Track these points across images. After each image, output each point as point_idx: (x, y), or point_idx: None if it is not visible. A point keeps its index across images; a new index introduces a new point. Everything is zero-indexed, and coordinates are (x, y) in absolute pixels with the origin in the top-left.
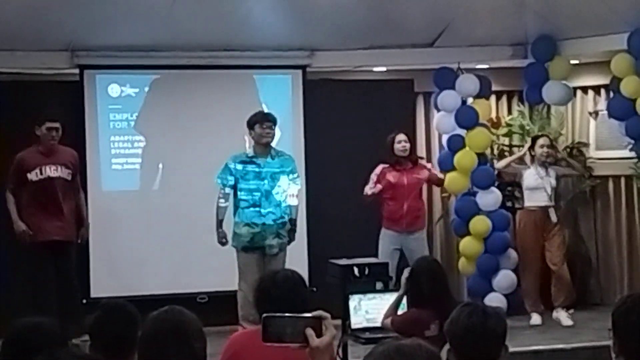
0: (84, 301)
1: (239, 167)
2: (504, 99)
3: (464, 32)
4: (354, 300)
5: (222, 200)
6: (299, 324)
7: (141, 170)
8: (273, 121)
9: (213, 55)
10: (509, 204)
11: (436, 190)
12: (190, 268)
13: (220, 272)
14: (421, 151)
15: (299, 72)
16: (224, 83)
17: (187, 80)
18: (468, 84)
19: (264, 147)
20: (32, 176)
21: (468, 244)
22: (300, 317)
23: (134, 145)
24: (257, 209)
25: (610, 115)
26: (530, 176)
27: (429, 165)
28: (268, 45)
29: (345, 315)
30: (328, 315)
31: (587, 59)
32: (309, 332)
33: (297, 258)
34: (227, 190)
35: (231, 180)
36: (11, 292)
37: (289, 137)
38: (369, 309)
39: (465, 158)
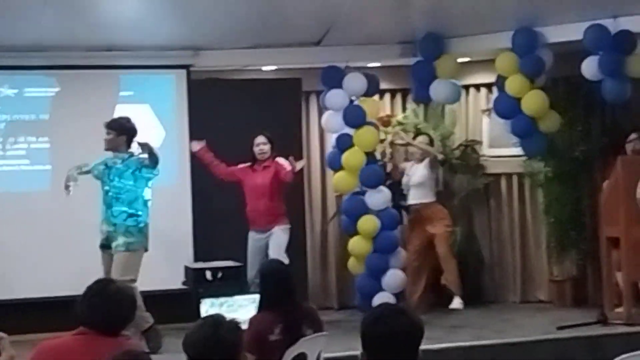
0: None
1: (101, 167)
2: (399, 97)
3: (351, 31)
4: (205, 304)
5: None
6: None
7: (21, 172)
8: (108, 127)
9: (95, 55)
10: (404, 203)
11: (330, 188)
12: (72, 270)
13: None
14: (315, 151)
15: (183, 71)
16: (109, 82)
17: (68, 80)
18: (355, 82)
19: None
20: None
21: (357, 243)
22: None
23: (13, 146)
24: (110, 210)
25: (496, 114)
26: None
27: (281, 161)
28: (151, 45)
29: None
30: (4, 335)
31: (479, 57)
32: None
33: (182, 259)
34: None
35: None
36: None
37: (174, 137)
38: (222, 312)
39: (353, 157)
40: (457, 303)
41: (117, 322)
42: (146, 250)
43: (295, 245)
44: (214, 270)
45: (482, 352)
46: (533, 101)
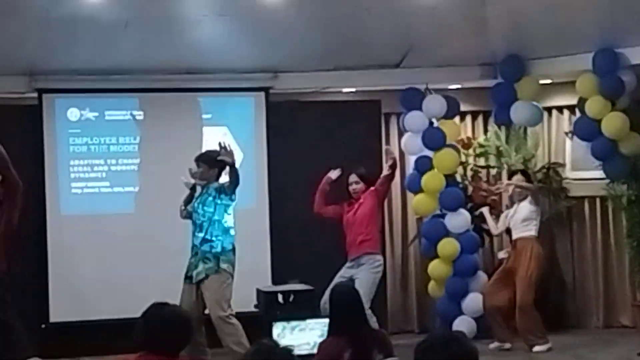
0: (43, 326)
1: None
2: (480, 119)
3: (431, 53)
4: (277, 328)
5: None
6: None
7: (102, 195)
8: (199, 160)
9: (174, 78)
10: (486, 226)
11: (410, 210)
12: (151, 293)
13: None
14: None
15: (262, 94)
16: (188, 106)
17: (149, 103)
18: (435, 104)
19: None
20: None
21: (436, 267)
22: None
23: (93, 169)
24: (193, 238)
25: (577, 136)
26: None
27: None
28: (230, 68)
29: None
30: None
31: (561, 79)
32: None
33: (260, 282)
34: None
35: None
36: None
37: (252, 159)
38: (294, 336)
39: (432, 180)
40: (539, 347)
41: (173, 344)
42: (232, 277)
43: None
44: (286, 294)
45: None
46: (613, 123)
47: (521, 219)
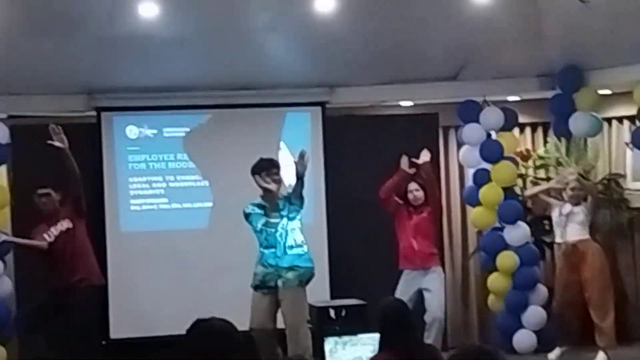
0: (104, 342)
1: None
2: (540, 131)
3: (488, 65)
4: (329, 343)
5: None
6: None
7: (161, 211)
8: (277, 167)
9: (231, 94)
10: (547, 238)
11: (470, 224)
12: (211, 308)
13: (242, 312)
14: (454, 186)
15: (319, 108)
16: (244, 121)
17: (206, 120)
18: (492, 116)
19: (272, 194)
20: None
21: (496, 280)
22: None
23: (152, 186)
24: (273, 249)
25: (635, 147)
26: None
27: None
28: (286, 83)
29: (321, 358)
30: None
31: (620, 89)
32: None
33: (318, 298)
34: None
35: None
36: None
37: (309, 175)
38: (346, 352)
39: (490, 192)
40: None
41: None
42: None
43: None
44: (338, 309)
45: None
46: None
47: (578, 221)
